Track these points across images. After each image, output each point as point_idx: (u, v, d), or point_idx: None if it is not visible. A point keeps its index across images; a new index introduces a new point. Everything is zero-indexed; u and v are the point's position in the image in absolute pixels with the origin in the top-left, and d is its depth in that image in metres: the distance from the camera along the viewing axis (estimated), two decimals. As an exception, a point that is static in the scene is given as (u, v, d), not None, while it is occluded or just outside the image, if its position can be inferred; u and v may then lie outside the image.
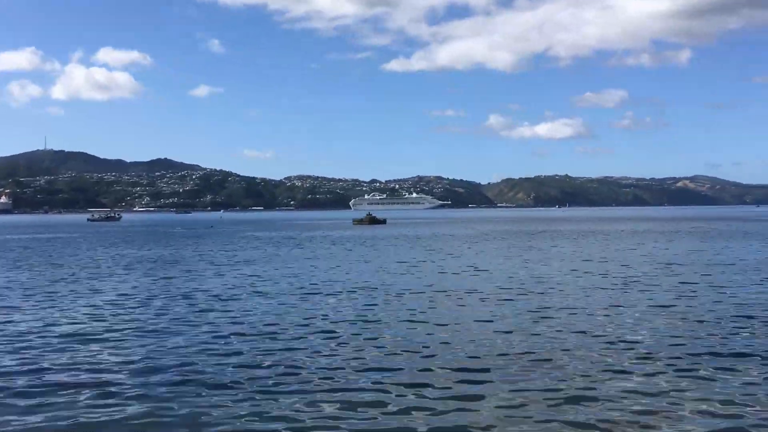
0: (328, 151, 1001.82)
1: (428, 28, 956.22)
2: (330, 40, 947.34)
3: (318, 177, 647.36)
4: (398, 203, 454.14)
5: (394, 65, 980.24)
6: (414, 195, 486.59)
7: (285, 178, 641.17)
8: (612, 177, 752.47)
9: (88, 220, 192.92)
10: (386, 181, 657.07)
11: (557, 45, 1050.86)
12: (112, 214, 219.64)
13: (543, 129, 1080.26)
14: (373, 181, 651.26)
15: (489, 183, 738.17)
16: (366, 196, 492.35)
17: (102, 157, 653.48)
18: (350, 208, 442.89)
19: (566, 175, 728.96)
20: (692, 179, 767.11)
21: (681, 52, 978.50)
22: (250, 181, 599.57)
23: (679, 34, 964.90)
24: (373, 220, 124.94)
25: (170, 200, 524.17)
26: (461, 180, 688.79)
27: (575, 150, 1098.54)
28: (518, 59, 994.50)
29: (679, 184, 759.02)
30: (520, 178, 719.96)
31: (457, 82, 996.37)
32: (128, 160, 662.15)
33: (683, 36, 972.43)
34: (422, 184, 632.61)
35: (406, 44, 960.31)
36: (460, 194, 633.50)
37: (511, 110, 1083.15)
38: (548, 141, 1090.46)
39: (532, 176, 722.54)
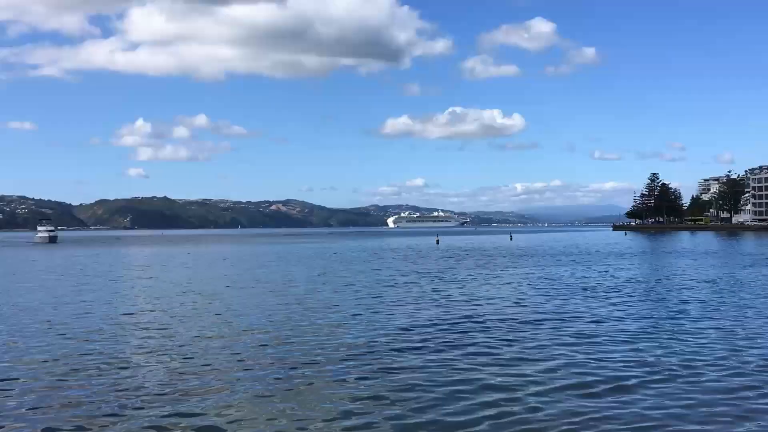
0: None
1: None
2: None
3: None
4: (430, 220, 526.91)
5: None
6: (442, 213, 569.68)
7: None
8: (211, 200, 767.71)
9: None
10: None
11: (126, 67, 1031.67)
12: None
13: (141, 151, 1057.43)
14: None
15: (82, 204, 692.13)
16: (403, 214, 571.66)
17: None
18: (387, 225, 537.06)
19: (165, 196, 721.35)
20: (285, 203, 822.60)
21: (277, 83, 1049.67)
22: None
23: (280, 69, 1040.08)
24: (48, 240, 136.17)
25: None
26: (50, 200, 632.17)
27: (176, 172, 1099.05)
28: (83, 78, 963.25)
29: (273, 207, 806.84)
30: (117, 200, 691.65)
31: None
32: None
33: (283, 70, 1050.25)
34: (2, 205, 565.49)
35: None
36: (49, 216, 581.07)
37: (97, 127, 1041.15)
38: (147, 163, 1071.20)
39: (130, 197, 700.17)
